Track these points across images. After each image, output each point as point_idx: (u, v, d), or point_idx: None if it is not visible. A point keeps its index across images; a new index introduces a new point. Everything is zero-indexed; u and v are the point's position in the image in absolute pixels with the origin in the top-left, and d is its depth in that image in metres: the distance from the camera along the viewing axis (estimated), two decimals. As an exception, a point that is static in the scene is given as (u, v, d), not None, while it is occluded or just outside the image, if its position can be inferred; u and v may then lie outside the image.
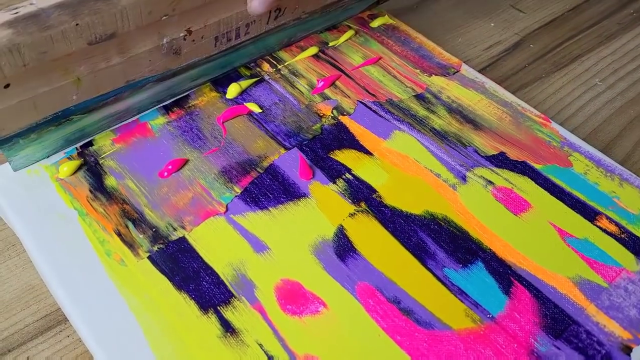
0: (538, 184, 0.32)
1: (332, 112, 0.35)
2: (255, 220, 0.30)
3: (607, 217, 0.31)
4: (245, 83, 0.36)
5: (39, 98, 0.29)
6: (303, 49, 0.39)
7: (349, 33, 0.41)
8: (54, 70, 0.28)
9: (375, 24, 0.42)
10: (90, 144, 0.33)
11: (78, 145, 0.32)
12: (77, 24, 0.27)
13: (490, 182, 0.32)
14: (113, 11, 0.28)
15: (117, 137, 0.33)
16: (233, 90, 0.36)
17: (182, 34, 0.32)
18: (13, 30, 0.26)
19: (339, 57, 0.39)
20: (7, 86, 0.27)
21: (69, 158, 0.32)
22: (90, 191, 0.31)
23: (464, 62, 0.40)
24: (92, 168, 0.32)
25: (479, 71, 0.40)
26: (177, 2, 0.30)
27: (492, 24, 0.47)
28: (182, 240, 0.29)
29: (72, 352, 0.28)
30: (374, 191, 0.32)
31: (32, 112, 0.29)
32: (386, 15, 0.42)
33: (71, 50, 0.28)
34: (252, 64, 0.38)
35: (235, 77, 0.37)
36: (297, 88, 0.37)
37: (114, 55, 0.30)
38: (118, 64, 0.30)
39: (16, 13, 0.26)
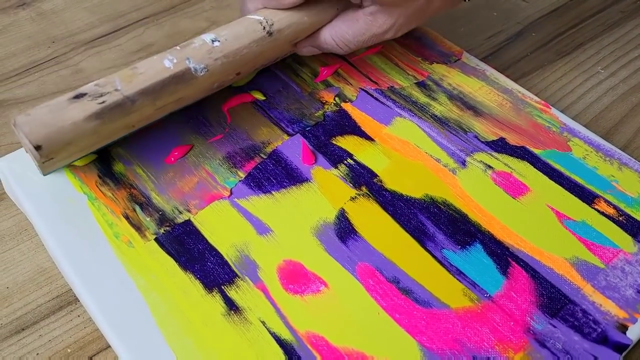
0: (537, 169, 0.33)
1: (334, 99, 0.36)
2: (259, 203, 0.31)
3: (606, 200, 0.32)
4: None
5: (97, 145, 0.30)
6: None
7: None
8: (120, 129, 0.29)
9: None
10: (99, 131, 0.34)
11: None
12: (155, 105, 0.29)
13: (490, 167, 0.33)
14: (190, 88, 0.29)
15: (125, 124, 0.34)
16: (238, 78, 0.37)
17: (231, 78, 0.33)
18: (99, 122, 0.27)
19: (341, 46, 0.40)
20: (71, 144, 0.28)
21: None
22: (99, 176, 0.32)
23: (467, 51, 0.41)
24: (101, 154, 0.33)
25: (482, 60, 0.41)
26: (241, 67, 0.31)
27: (495, 14, 0.48)
28: (188, 223, 0.30)
29: (82, 331, 0.29)
30: (375, 176, 0.32)
31: (86, 152, 0.30)
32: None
33: (140, 117, 0.29)
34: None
35: (240, 66, 0.38)
36: (300, 76, 0.37)
37: (170, 106, 0.31)
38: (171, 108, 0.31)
39: (102, 103, 0.26)
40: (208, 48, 0.29)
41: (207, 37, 0.29)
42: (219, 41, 0.29)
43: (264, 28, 0.31)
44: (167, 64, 0.28)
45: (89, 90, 0.26)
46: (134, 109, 0.27)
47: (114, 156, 0.32)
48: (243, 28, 0.31)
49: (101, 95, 0.26)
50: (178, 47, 0.29)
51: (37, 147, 0.25)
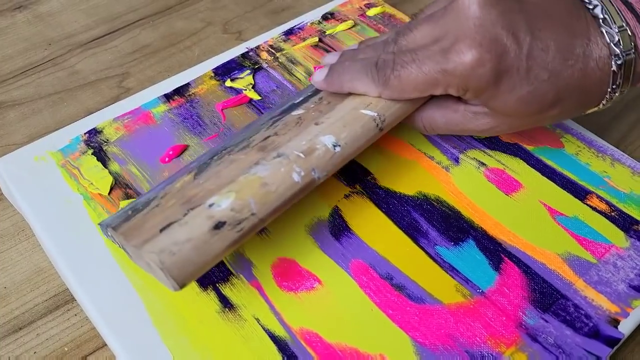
0: (530, 165, 0.33)
1: (328, 99, 0.36)
2: (253, 202, 0.31)
3: (598, 196, 0.32)
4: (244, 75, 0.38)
5: None
6: (304, 40, 0.40)
7: (348, 23, 0.41)
8: None
9: (371, 12, 0.42)
10: (95, 131, 0.34)
11: (83, 132, 0.34)
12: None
13: (483, 164, 0.33)
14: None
15: (121, 125, 0.34)
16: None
17: None
18: (235, 246, 0.26)
19: (336, 45, 0.40)
20: None
21: (80, 153, 0.33)
22: (95, 177, 0.32)
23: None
24: (96, 154, 0.33)
25: (475, 57, 0.41)
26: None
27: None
28: (183, 221, 0.30)
29: (79, 330, 0.29)
30: (369, 173, 0.32)
31: None
32: (384, 5, 0.43)
33: None
34: (251, 53, 0.39)
35: (235, 66, 0.38)
36: (294, 75, 0.38)
37: None
38: None
39: (241, 230, 0.26)
40: (330, 155, 0.28)
41: (329, 141, 0.28)
42: (339, 146, 0.29)
43: (377, 125, 0.30)
44: (296, 178, 0.27)
45: (227, 219, 0.25)
46: (262, 225, 0.27)
47: (109, 156, 0.33)
48: (360, 128, 0.29)
49: (239, 223, 0.26)
50: (302, 155, 0.28)
51: (182, 285, 0.25)
